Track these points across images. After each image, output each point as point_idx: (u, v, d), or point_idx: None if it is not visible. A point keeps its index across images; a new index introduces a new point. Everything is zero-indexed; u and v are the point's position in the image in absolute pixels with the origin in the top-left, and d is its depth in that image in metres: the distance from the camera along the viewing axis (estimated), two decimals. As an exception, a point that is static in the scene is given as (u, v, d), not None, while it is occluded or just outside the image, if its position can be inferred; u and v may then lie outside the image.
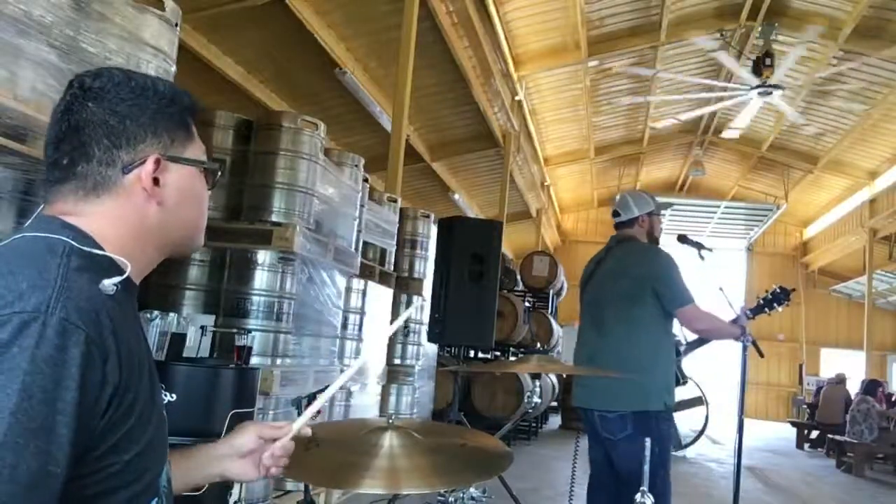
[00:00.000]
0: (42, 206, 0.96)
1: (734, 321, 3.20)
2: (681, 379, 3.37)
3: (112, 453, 0.83)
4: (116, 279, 0.86)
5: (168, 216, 0.98)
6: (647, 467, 2.09)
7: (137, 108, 0.95)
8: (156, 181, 0.96)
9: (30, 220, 0.94)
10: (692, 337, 3.37)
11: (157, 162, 0.96)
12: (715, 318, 3.15)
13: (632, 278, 3.13)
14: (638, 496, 2.01)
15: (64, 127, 0.94)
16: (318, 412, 1.18)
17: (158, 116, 0.97)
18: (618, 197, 3.44)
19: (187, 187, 1.01)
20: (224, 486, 2.75)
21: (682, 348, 3.37)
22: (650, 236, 3.34)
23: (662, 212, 3.46)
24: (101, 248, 0.90)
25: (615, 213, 3.38)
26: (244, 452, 1.13)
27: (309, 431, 1.16)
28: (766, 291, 3.45)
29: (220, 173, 1.07)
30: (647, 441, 2.16)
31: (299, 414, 2.46)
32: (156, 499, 0.92)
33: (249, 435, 1.13)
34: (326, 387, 1.24)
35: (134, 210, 0.95)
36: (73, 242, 0.87)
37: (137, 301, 0.99)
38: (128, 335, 0.86)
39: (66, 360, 0.76)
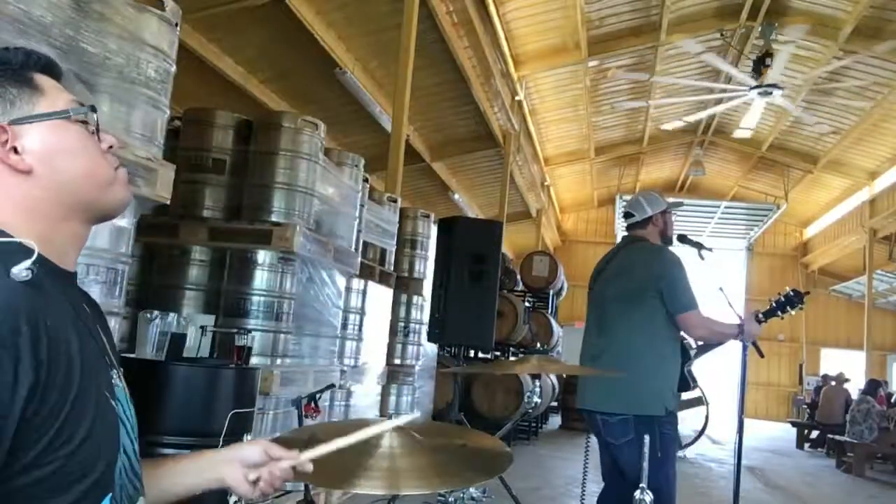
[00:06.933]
0: None
1: (740, 325, 3.07)
2: (691, 383, 3.28)
3: (43, 455, 0.79)
4: (26, 263, 0.80)
5: (48, 181, 0.89)
6: (645, 464, 2.10)
7: None
8: (15, 150, 0.88)
9: None
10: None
11: (1, 131, 0.88)
12: (715, 322, 3.05)
13: (636, 278, 3.08)
14: (637, 493, 2.01)
15: None
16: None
17: None
18: (628, 199, 3.40)
19: (54, 143, 0.90)
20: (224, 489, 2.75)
21: (692, 352, 3.26)
22: (664, 235, 3.28)
23: (674, 210, 3.39)
24: (6, 235, 0.84)
25: (627, 215, 3.31)
26: (248, 463, 1.12)
27: (310, 468, 1.13)
28: (779, 294, 3.29)
29: (93, 111, 0.95)
30: (647, 438, 2.17)
31: (300, 416, 2.47)
32: (110, 494, 0.87)
33: (258, 448, 1.13)
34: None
35: (8, 187, 0.88)
36: None
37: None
38: (53, 324, 0.80)
39: None
